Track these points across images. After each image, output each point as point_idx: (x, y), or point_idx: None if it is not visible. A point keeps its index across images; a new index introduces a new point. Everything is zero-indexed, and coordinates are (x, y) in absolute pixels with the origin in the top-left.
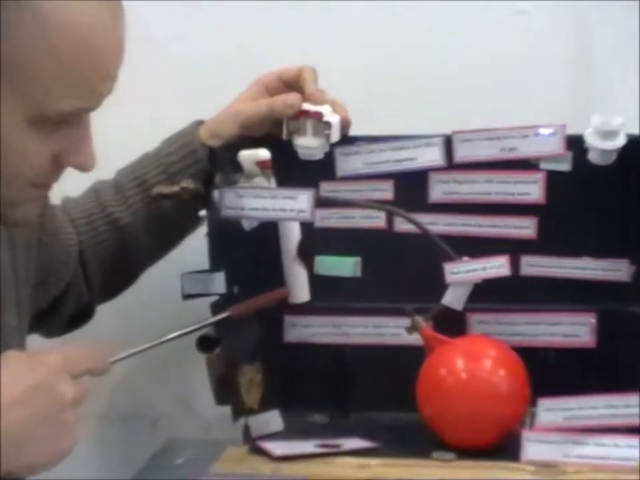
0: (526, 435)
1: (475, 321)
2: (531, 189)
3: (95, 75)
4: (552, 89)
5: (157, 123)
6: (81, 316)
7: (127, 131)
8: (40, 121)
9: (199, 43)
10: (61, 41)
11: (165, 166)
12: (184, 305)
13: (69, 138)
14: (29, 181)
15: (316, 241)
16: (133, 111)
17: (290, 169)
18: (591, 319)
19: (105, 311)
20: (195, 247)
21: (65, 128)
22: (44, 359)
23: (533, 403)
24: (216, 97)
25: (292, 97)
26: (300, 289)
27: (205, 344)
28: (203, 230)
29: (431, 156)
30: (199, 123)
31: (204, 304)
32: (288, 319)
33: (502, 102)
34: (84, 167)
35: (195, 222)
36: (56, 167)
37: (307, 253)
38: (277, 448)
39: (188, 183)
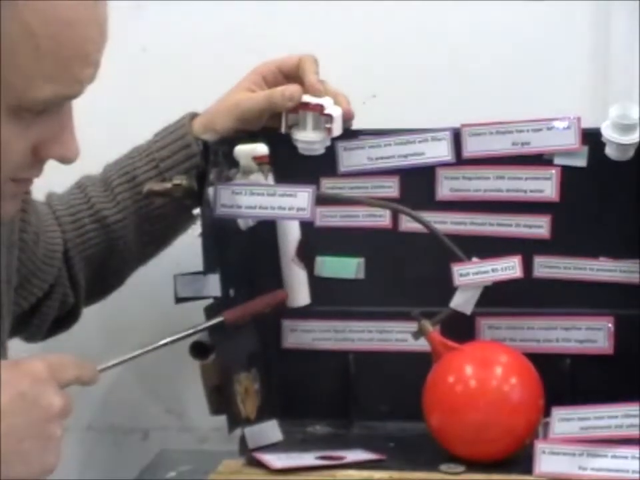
0: (540, 446)
1: (485, 325)
2: (545, 186)
3: (75, 58)
4: (568, 80)
5: (147, 114)
6: (66, 318)
7: (115, 123)
8: (20, 111)
9: (193, 30)
10: (37, 21)
11: (156, 161)
12: (176, 308)
13: (49, 128)
14: (7, 176)
15: (316, 240)
16: (122, 101)
17: (289, 165)
18: (608, 324)
19: (91, 314)
20: (188, 247)
21: (44, 117)
22: (28, 367)
23: (547, 413)
24: (210, 87)
25: (291, 89)
26: (299, 292)
27: (198, 350)
28: (196, 229)
29: (439, 151)
30: (193, 115)
31: (198, 307)
32: (287, 324)
33: (514, 94)
34: (66, 159)
35: (187, 220)
36: (36, 160)
37: (306, 253)
38: (276, 460)
39: (181, 180)
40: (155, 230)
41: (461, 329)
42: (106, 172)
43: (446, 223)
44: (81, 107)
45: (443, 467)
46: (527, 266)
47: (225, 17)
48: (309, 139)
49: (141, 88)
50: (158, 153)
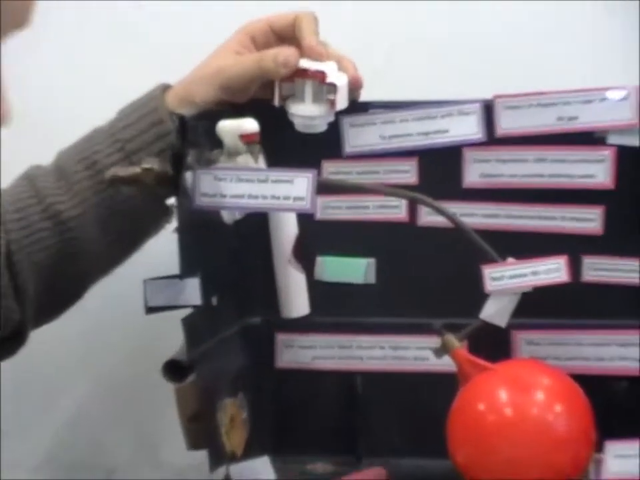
0: None
1: (523, 340)
2: (596, 170)
3: None
4: (609, 47)
5: (115, 91)
6: (10, 340)
7: (74, 102)
8: None
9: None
10: None
11: (122, 142)
12: (147, 320)
13: None
14: None
15: (317, 237)
16: (82, 76)
17: (284, 145)
18: None
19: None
20: (162, 245)
21: None
22: None
23: (600, 448)
24: (188, 58)
25: (286, 52)
26: (296, 299)
27: (173, 371)
28: (171, 224)
29: (467, 128)
30: (166, 87)
31: (173, 319)
32: (281, 338)
33: (545, 63)
34: None
35: (162, 216)
36: None
37: (305, 252)
38: None
39: (152, 163)
40: (122, 228)
41: (493, 344)
42: (60, 159)
43: (475, 215)
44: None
45: None
46: (575, 268)
47: (224, 17)
48: (307, 113)
49: (94, 46)
50: (123, 132)
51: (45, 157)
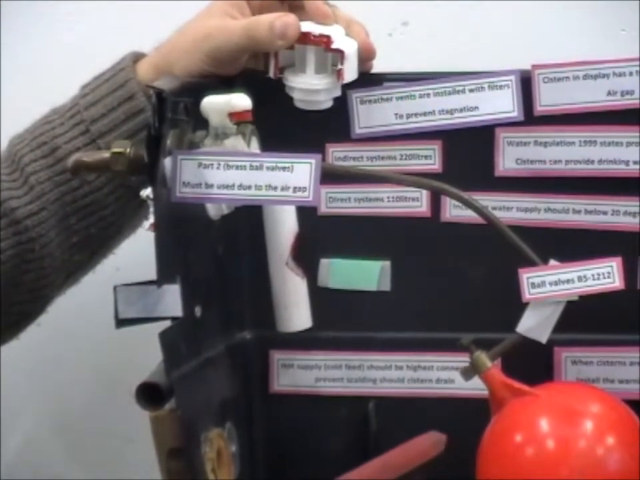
0: None
1: (569, 359)
2: None
3: None
4: None
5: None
6: None
7: (30, 76)
8: None
9: None
10: None
11: (86, 123)
12: (117, 335)
13: None
14: None
15: (321, 235)
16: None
17: (282, 125)
18: None
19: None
20: (135, 245)
21: None
22: None
23: None
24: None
25: (284, 20)
26: (296, 310)
27: (149, 396)
28: (147, 220)
29: (500, 104)
30: (138, 55)
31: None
32: (277, 357)
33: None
34: None
35: (135, 211)
36: None
37: (306, 254)
38: None
39: (123, 147)
40: (88, 227)
41: (532, 364)
42: (13, 145)
43: (511, 209)
44: None
45: None
46: (629, 272)
47: None
48: (310, 86)
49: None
50: (87, 111)
51: None
